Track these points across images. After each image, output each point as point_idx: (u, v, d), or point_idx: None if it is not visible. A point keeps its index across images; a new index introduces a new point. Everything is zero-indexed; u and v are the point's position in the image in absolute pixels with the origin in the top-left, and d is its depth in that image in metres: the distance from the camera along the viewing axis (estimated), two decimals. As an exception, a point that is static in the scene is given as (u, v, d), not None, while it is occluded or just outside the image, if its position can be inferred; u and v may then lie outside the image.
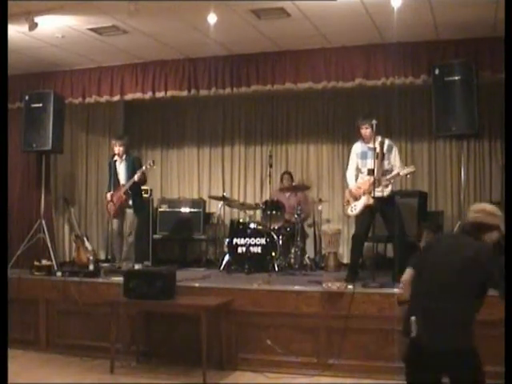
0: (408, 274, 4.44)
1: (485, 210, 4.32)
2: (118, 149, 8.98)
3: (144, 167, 8.78)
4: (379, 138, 7.57)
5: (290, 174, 10.49)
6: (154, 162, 8.99)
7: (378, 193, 7.34)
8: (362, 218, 7.62)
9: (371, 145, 7.49)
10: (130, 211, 8.95)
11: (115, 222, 9.07)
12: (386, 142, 7.68)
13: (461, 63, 7.71)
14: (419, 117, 10.15)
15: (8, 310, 5.06)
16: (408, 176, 8.19)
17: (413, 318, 4.10)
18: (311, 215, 10.26)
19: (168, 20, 7.50)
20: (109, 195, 8.99)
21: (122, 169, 9.01)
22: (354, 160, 7.83)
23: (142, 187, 9.43)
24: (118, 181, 9.00)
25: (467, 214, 4.49)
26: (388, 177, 7.50)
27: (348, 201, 7.72)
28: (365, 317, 6.80)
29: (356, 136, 8.00)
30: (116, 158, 9.04)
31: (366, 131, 7.61)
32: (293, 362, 7.01)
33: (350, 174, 7.87)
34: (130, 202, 8.93)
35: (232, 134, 11.53)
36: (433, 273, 4.17)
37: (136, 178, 8.71)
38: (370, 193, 7.41)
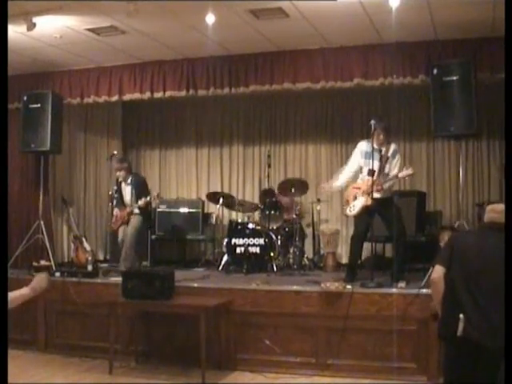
0: (440, 271, 4.36)
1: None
2: (119, 174, 9.05)
3: (149, 198, 8.74)
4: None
5: (270, 191, 10.09)
6: (158, 195, 8.98)
7: (377, 194, 7.34)
8: (361, 218, 7.63)
9: (375, 146, 7.48)
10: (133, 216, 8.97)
11: (121, 230, 9.03)
12: (392, 146, 7.67)
13: (459, 63, 7.70)
14: (417, 117, 10.15)
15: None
16: (406, 178, 8.19)
17: (461, 315, 4.08)
18: (310, 215, 10.26)
19: (166, 20, 7.50)
20: (115, 211, 9.06)
21: (127, 191, 9.04)
22: (357, 158, 7.81)
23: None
24: (123, 200, 9.07)
25: (488, 213, 4.49)
26: (387, 179, 7.49)
27: (347, 201, 7.72)
28: (363, 317, 6.81)
29: (356, 134, 8.02)
30: (120, 180, 9.10)
31: (379, 136, 7.52)
32: (291, 362, 7.03)
33: (347, 171, 7.89)
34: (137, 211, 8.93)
35: (230, 134, 11.52)
36: (475, 269, 4.16)
37: (141, 203, 8.72)
38: (368, 194, 7.41)
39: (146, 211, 9.15)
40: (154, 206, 9.39)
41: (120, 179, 9.09)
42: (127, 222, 8.90)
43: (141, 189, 8.94)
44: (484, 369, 4.14)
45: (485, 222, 4.52)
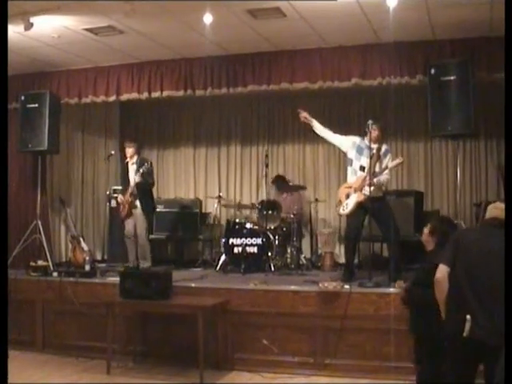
0: (444, 271, 4.32)
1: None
2: (127, 150, 9.18)
3: (141, 169, 8.83)
4: None
5: (282, 177, 10.45)
6: (151, 163, 9.12)
7: (369, 189, 7.35)
8: (354, 216, 7.66)
9: (369, 143, 7.50)
10: (137, 213, 9.00)
11: (127, 224, 9.10)
12: (384, 146, 7.75)
13: (457, 63, 7.71)
14: (415, 116, 10.16)
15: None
16: (397, 167, 8.23)
17: (468, 316, 4.07)
18: (307, 215, 10.26)
19: (164, 20, 7.49)
20: (120, 197, 9.13)
21: (131, 171, 9.12)
22: (342, 141, 7.97)
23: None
24: (128, 182, 9.11)
25: (490, 210, 4.51)
26: (379, 172, 7.52)
27: (340, 201, 7.75)
28: (361, 316, 6.81)
29: (354, 134, 8.06)
30: (128, 160, 9.21)
31: (374, 132, 7.59)
32: (289, 362, 7.03)
33: (332, 133, 8.13)
34: (138, 203, 8.98)
35: (228, 134, 11.53)
36: (479, 268, 4.15)
37: (136, 179, 8.81)
38: (361, 189, 7.45)
39: (147, 192, 9.19)
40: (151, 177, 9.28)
41: (127, 158, 9.19)
42: (132, 205, 8.95)
43: (141, 166, 8.99)
44: (487, 368, 4.13)
45: (487, 218, 4.52)
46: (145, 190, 9.08)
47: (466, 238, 4.49)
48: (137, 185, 8.88)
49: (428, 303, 4.65)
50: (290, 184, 10.33)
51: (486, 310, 4.07)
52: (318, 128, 8.09)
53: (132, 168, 9.13)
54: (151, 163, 9.21)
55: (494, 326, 4.01)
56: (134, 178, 8.98)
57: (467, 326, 4.05)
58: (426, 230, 5.21)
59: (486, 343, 4.03)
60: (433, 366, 4.88)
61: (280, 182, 10.26)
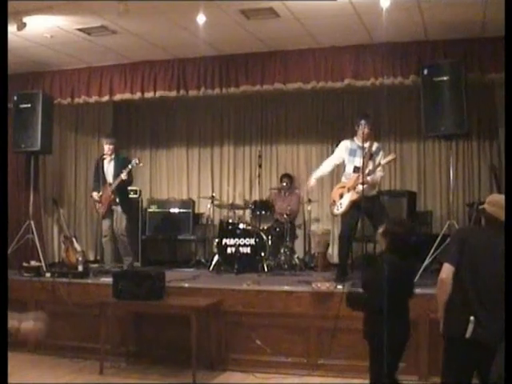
0: (448, 271, 4.27)
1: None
2: (107, 147, 9.04)
3: (130, 165, 8.77)
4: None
5: (290, 176, 10.54)
6: (139, 159, 9.06)
7: (363, 187, 7.35)
8: (348, 216, 7.67)
9: (360, 143, 7.51)
10: (118, 211, 8.94)
11: (105, 223, 9.04)
12: (375, 144, 7.77)
13: (450, 63, 7.72)
14: (408, 117, 10.17)
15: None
16: (390, 164, 8.24)
17: (472, 318, 4.06)
18: (301, 215, 10.27)
19: (157, 20, 7.48)
20: (95, 195, 8.98)
21: (110, 168, 9.02)
22: (338, 155, 7.91)
23: (130, 187, 9.45)
24: (105, 180, 8.98)
25: (491, 206, 4.42)
26: (372, 170, 7.53)
27: (334, 201, 7.76)
28: (354, 317, 6.76)
29: (347, 134, 8.05)
30: (105, 156, 9.06)
31: (365, 130, 7.59)
32: (282, 362, 7.04)
33: (328, 162, 8.07)
34: (118, 201, 8.93)
35: (221, 134, 11.52)
36: (485, 269, 4.13)
37: (123, 176, 8.73)
38: (354, 188, 7.47)
39: (125, 190, 9.16)
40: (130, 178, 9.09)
41: (105, 155, 9.04)
42: (113, 202, 8.89)
43: (124, 164, 8.91)
44: (489, 369, 4.13)
45: (488, 214, 4.41)
46: (123, 187, 9.02)
47: (472, 238, 4.40)
48: (121, 182, 8.81)
49: (373, 308, 4.73)
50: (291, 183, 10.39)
51: (490, 312, 4.06)
52: (320, 172, 8.14)
53: (110, 166, 9.02)
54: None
55: (497, 327, 3.99)
56: (112, 175, 8.90)
57: (470, 327, 4.04)
58: (379, 230, 5.18)
59: (487, 345, 4.02)
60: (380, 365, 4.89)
61: (286, 181, 10.31)
